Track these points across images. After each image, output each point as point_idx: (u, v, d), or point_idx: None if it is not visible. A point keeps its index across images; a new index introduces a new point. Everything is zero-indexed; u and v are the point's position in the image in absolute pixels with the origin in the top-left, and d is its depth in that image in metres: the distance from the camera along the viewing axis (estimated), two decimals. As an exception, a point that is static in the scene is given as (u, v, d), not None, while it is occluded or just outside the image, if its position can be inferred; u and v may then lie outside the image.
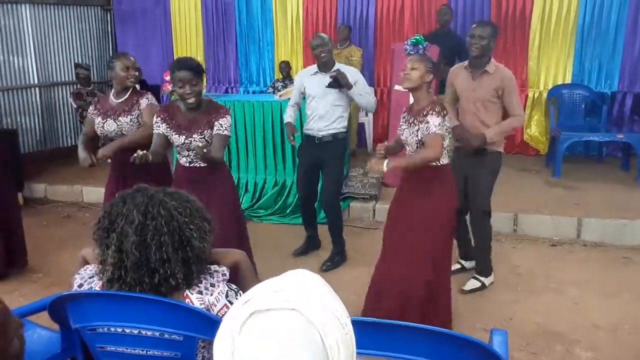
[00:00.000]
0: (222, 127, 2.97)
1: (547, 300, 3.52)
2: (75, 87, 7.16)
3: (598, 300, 3.50)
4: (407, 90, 2.93)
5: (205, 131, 2.97)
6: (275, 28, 7.43)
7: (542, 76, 6.60)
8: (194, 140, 2.97)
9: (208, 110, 3.01)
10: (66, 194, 5.68)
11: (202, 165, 3.02)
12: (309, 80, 3.92)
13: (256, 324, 0.79)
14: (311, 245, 4.38)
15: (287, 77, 6.93)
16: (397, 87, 5.44)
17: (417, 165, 2.86)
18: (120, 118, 3.36)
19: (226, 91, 7.72)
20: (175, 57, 7.72)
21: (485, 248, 3.66)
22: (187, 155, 3.06)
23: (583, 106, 6.25)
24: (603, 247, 4.33)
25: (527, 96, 6.61)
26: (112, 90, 3.45)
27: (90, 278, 1.65)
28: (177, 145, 3.05)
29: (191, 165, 3.07)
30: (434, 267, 2.93)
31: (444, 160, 2.91)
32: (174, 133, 3.01)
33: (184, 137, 2.99)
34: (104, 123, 3.39)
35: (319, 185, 4.23)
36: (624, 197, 4.91)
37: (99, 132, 3.44)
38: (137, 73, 3.39)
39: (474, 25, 3.44)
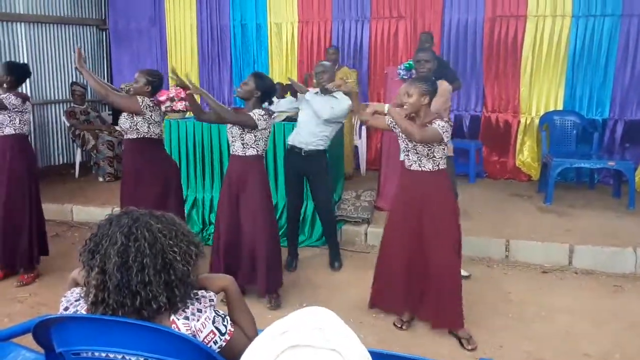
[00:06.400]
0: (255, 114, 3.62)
1: (538, 327, 3.50)
2: (69, 106, 7.17)
3: (589, 329, 3.48)
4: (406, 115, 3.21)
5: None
6: (270, 51, 7.51)
7: (534, 102, 6.67)
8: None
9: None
10: (56, 213, 5.63)
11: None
12: (312, 97, 4.21)
13: (293, 357, 0.77)
14: (295, 257, 4.52)
15: (281, 98, 6.95)
16: (390, 110, 5.49)
17: (402, 125, 3.17)
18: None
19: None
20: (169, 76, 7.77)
21: None
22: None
23: (574, 133, 6.32)
24: (594, 274, 4.32)
25: (519, 122, 6.68)
26: None
27: (76, 301, 1.63)
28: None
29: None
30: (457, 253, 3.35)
31: (442, 165, 3.25)
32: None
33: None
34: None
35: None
36: (615, 225, 4.93)
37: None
38: (137, 85, 3.95)
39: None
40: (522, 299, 3.89)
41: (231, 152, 3.78)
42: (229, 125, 3.71)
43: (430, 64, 3.80)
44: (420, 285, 3.35)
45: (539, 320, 3.60)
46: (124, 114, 3.94)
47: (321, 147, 4.25)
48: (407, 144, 3.27)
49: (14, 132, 4.08)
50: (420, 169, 3.25)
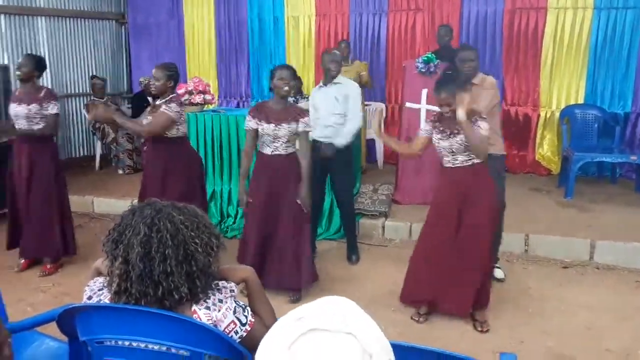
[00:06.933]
0: (307, 125, 3.69)
1: (559, 323, 3.47)
2: (89, 99, 7.25)
3: (610, 324, 3.43)
4: (418, 108, 3.18)
5: (292, 124, 3.60)
6: (287, 44, 7.50)
7: (554, 96, 6.57)
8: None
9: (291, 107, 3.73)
10: (77, 205, 5.69)
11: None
12: (316, 95, 4.26)
13: (310, 341, 0.78)
14: (313, 251, 4.49)
15: (298, 92, 6.95)
16: (408, 104, 5.45)
17: (470, 135, 3.14)
18: (148, 116, 3.93)
19: (237, 105, 7.77)
20: (187, 70, 7.83)
21: None
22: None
23: (596, 126, 6.21)
24: (616, 270, 4.26)
25: (539, 115, 6.60)
26: None
27: (99, 290, 1.65)
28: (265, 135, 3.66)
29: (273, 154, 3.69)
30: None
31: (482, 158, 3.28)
32: (264, 123, 3.62)
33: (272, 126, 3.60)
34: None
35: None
36: (638, 220, 4.84)
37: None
38: (158, 83, 3.87)
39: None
40: (542, 294, 3.85)
41: (269, 152, 3.69)
42: (273, 126, 3.61)
43: (475, 62, 3.74)
44: (451, 275, 3.35)
45: (560, 315, 3.56)
46: (149, 117, 3.90)
47: (340, 138, 4.22)
48: (457, 149, 3.25)
49: (41, 127, 4.12)
50: (463, 165, 3.27)
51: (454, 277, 3.33)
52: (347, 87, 4.22)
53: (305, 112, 3.77)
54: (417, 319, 3.49)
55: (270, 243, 3.74)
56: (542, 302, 3.73)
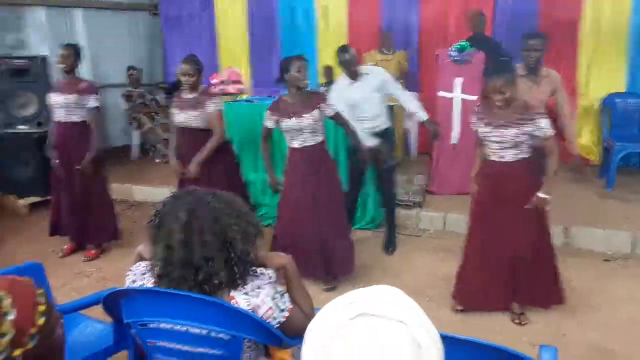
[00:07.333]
0: (330, 106, 3.66)
1: (601, 317, 3.38)
2: (126, 90, 7.38)
3: (655, 318, 3.33)
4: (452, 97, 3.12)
5: (313, 112, 3.56)
6: (319, 33, 7.46)
7: (593, 84, 6.36)
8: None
9: (308, 96, 3.63)
10: (116, 192, 5.80)
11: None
12: (347, 91, 4.10)
13: (360, 325, 0.78)
14: None
15: (330, 81, 6.93)
16: (441, 93, 5.36)
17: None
18: (188, 111, 3.92)
19: (270, 95, 7.78)
20: (220, 60, 7.88)
21: None
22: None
23: (637, 116, 6.01)
24: (659, 263, 4.13)
25: (577, 105, 6.41)
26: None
27: (142, 275, 1.69)
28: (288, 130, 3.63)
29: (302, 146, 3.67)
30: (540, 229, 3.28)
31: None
32: (285, 119, 3.59)
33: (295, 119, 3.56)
34: (178, 114, 3.98)
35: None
36: (681, 211, 4.68)
37: (175, 122, 4.04)
38: (193, 78, 3.93)
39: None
40: (583, 288, 3.75)
41: (298, 145, 3.69)
42: (295, 119, 3.59)
43: (540, 52, 3.62)
44: (515, 274, 3.29)
45: (602, 309, 3.47)
46: (191, 113, 3.92)
47: (384, 125, 4.21)
48: (508, 143, 3.13)
49: (78, 120, 4.22)
50: (514, 159, 3.15)
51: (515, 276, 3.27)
52: (378, 74, 4.17)
53: (323, 96, 3.74)
54: (457, 308, 3.46)
55: (307, 233, 3.71)
56: (583, 295, 3.64)
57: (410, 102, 4.27)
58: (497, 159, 3.18)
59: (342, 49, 4.11)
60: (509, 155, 3.14)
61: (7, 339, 0.99)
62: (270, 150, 3.96)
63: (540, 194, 3.11)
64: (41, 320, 1.06)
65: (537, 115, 3.09)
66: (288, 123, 3.61)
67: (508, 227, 3.19)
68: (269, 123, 3.73)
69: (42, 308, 1.07)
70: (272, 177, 3.84)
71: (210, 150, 3.91)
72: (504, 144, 3.12)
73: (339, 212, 3.78)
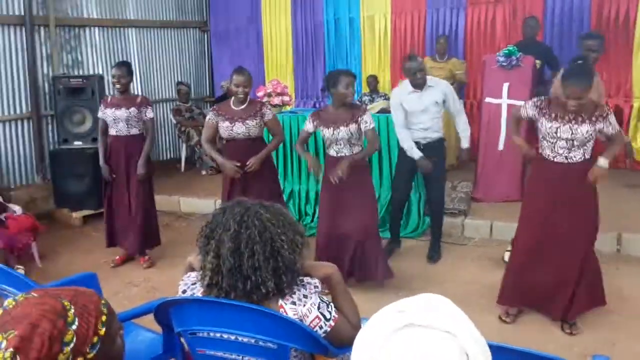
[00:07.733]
0: (367, 123, 3.69)
1: (656, 327, 3.25)
2: (175, 104, 7.63)
3: None
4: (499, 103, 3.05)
5: (351, 125, 3.63)
6: (363, 43, 7.50)
7: (649, 86, 6.13)
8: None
9: (349, 109, 3.71)
10: (165, 204, 6.02)
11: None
12: (408, 99, 4.12)
13: (409, 335, 0.79)
14: (395, 244, 4.59)
15: (374, 90, 6.95)
16: (488, 99, 5.29)
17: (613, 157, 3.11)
18: (247, 121, 3.99)
19: (314, 106, 7.87)
20: (266, 72, 8.04)
21: None
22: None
23: (697, 118, 5.74)
24: None
25: (631, 107, 6.17)
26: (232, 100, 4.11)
27: (192, 284, 1.74)
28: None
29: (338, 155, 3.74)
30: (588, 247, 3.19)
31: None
32: (324, 128, 3.69)
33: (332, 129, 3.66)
34: (232, 126, 3.99)
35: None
36: None
37: (226, 135, 4.05)
38: (247, 89, 4.01)
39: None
40: (636, 296, 3.62)
41: (334, 153, 3.76)
42: (332, 130, 3.70)
43: (597, 53, 3.55)
44: (558, 277, 3.22)
45: (657, 319, 3.34)
46: (250, 123, 4.00)
47: (436, 135, 4.20)
48: (572, 143, 3.03)
49: (137, 132, 4.44)
50: (574, 160, 3.07)
51: (558, 279, 3.20)
52: (441, 87, 4.15)
53: (364, 110, 3.77)
54: (505, 318, 3.40)
55: (343, 241, 3.78)
56: (636, 305, 3.51)
57: (461, 125, 4.29)
58: (562, 160, 3.05)
59: (410, 58, 4.14)
60: (577, 156, 3.02)
61: (70, 347, 1.04)
62: (303, 148, 4.02)
63: (600, 164, 2.97)
64: (102, 330, 1.11)
65: (609, 111, 3.00)
66: (325, 132, 3.72)
67: (563, 232, 3.11)
68: (309, 127, 3.83)
69: (104, 318, 1.13)
70: (310, 159, 3.94)
71: (271, 150, 4.11)
72: (574, 142, 2.99)
73: (372, 222, 3.81)
